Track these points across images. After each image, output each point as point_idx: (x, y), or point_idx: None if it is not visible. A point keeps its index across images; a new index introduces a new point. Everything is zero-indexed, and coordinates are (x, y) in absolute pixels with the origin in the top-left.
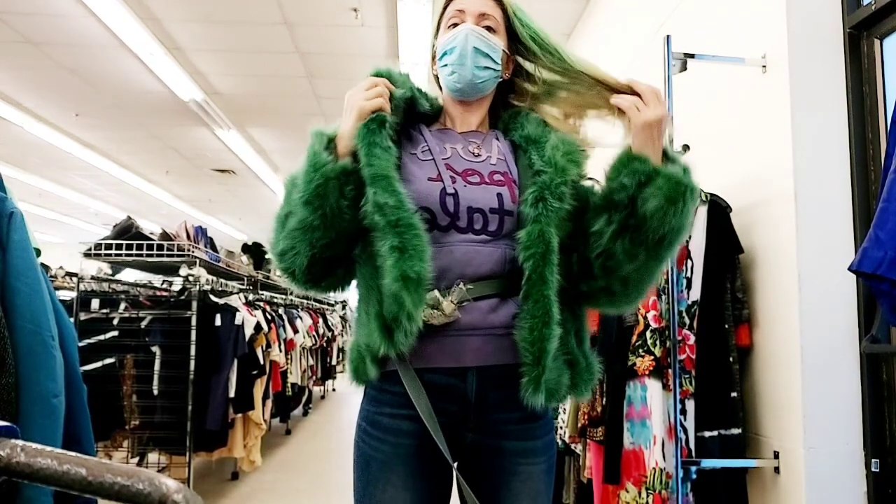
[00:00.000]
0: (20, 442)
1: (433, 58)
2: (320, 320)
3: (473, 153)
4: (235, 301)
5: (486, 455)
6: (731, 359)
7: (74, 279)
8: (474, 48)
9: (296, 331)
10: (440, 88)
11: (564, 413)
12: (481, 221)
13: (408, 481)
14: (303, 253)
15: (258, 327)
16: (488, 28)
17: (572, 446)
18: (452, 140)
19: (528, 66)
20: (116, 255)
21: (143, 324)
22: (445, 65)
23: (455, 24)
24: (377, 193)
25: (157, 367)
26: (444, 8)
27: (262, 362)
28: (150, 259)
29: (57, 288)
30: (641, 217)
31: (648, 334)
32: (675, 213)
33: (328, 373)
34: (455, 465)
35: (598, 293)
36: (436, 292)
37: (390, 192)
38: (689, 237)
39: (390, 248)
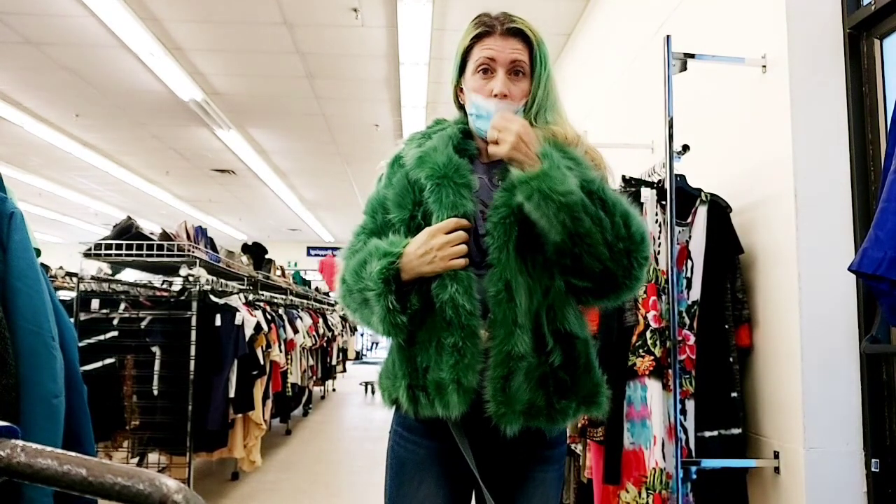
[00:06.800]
0: (21, 442)
1: (457, 88)
2: (320, 320)
3: (498, 185)
4: (235, 301)
5: (505, 459)
6: (731, 359)
7: (74, 279)
8: None
9: (296, 331)
10: (456, 104)
11: None
12: None
13: (441, 480)
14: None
15: (258, 327)
16: (517, 72)
17: (572, 446)
18: (480, 171)
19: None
20: (116, 255)
21: (143, 324)
22: (474, 122)
23: (486, 70)
24: (458, 292)
25: (157, 367)
26: (470, 46)
27: (262, 362)
28: (150, 259)
29: (57, 288)
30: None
31: (648, 334)
32: (538, 208)
33: (328, 373)
34: (482, 484)
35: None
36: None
37: (469, 297)
38: (690, 237)
39: (452, 345)
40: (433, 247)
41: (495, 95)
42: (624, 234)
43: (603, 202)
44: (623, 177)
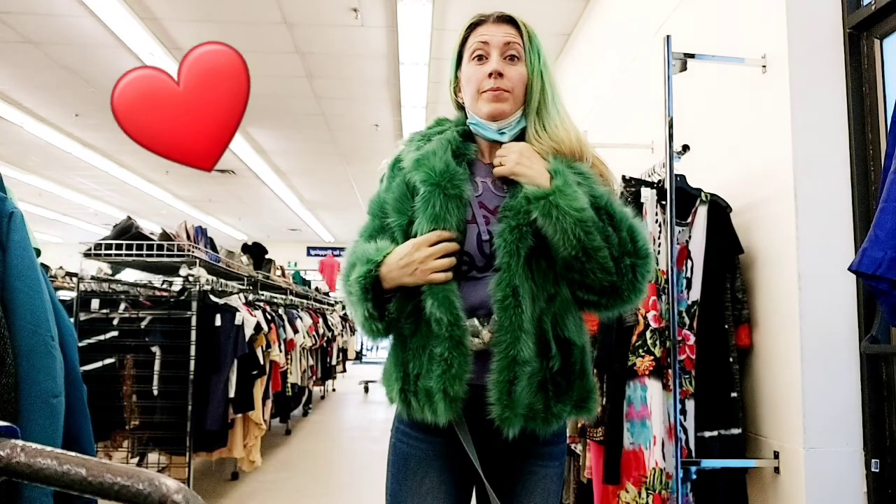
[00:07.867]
0: (20, 442)
1: (456, 88)
2: (320, 320)
3: (502, 188)
4: (235, 301)
5: (507, 455)
6: (731, 359)
7: (74, 279)
8: None
9: (296, 331)
10: (456, 107)
11: None
12: None
13: (443, 475)
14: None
15: (258, 327)
16: (512, 57)
17: (572, 446)
18: (482, 174)
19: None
20: (116, 255)
21: (143, 324)
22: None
23: (480, 57)
24: (434, 306)
25: (157, 367)
26: (466, 37)
27: (262, 362)
28: (150, 259)
29: (57, 288)
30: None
31: (648, 334)
32: (555, 225)
33: (328, 373)
34: (485, 481)
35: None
36: (475, 321)
37: (446, 309)
38: (690, 237)
39: (440, 355)
40: (416, 259)
41: (490, 75)
42: (630, 248)
43: (611, 217)
44: (623, 177)
